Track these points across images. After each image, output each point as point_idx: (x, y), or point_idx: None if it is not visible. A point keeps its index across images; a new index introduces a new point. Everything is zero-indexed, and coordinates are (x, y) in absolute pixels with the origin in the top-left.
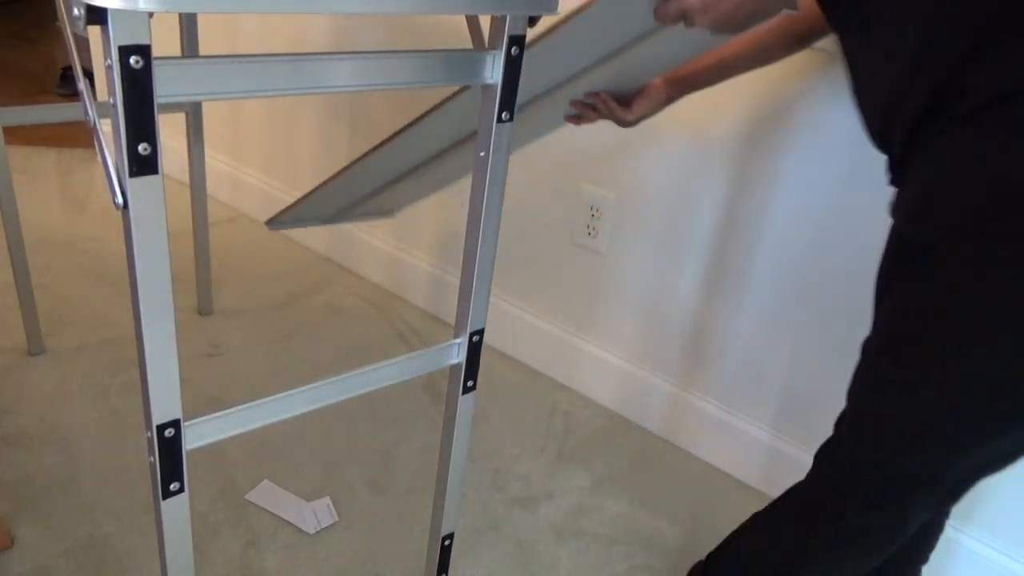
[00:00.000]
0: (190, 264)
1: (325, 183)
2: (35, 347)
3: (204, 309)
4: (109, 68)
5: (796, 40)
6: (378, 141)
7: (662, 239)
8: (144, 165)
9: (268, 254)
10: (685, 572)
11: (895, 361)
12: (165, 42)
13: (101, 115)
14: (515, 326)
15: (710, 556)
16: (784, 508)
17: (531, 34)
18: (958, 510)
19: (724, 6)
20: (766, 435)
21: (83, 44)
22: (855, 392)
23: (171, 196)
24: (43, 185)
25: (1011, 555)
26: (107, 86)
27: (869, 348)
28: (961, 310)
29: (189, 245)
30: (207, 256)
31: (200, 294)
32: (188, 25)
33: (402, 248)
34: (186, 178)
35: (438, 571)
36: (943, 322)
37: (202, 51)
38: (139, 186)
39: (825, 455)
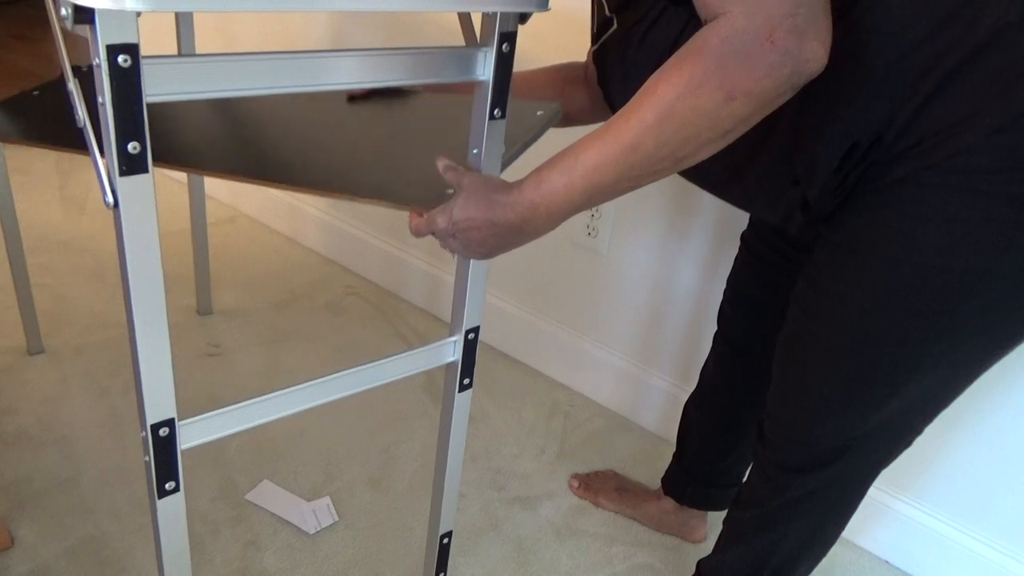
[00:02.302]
0: (189, 264)
1: None
2: (35, 347)
3: (204, 309)
4: (97, 67)
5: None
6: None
7: (662, 239)
8: (134, 164)
9: (268, 254)
10: (685, 571)
11: (803, 339)
12: (164, 43)
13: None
14: (515, 326)
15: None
16: (741, 502)
17: None
18: (957, 508)
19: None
20: None
21: (83, 44)
22: (780, 379)
23: (170, 196)
24: (42, 185)
25: (999, 550)
26: (96, 85)
27: (783, 343)
28: (847, 271)
29: (188, 245)
30: (206, 256)
31: (200, 294)
32: (184, 25)
33: (401, 248)
34: (185, 177)
35: (436, 570)
36: (837, 286)
37: (199, 51)
38: (129, 185)
39: (761, 444)
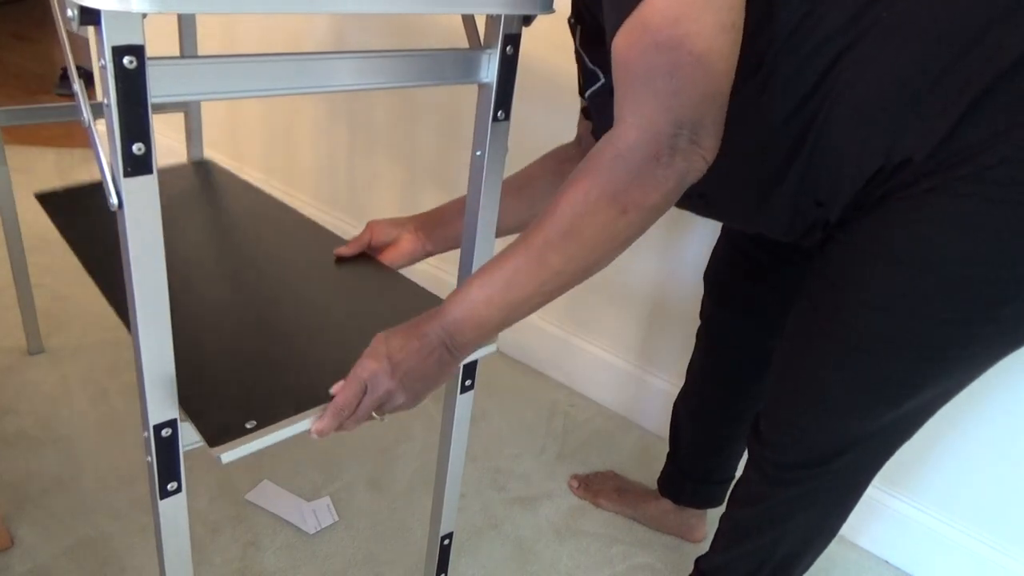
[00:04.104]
0: None
1: None
2: (35, 347)
3: None
4: (103, 68)
5: None
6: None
7: (662, 239)
8: (139, 165)
9: None
10: (685, 571)
11: (817, 339)
12: (164, 42)
13: (96, 115)
14: (515, 326)
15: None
16: (738, 500)
17: None
18: (956, 507)
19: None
20: None
21: (83, 44)
22: (784, 377)
23: None
24: (43, 184)
25: (999, 549)
26: (101, 86)
27: (788, 341)
28: (865, 278)
29: None
30: None
31: None
32: (186, 25)
33: None
34: None
35: (437, 570)
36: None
37: (201, 51)
38: (134, 186)
39: (758, 442)
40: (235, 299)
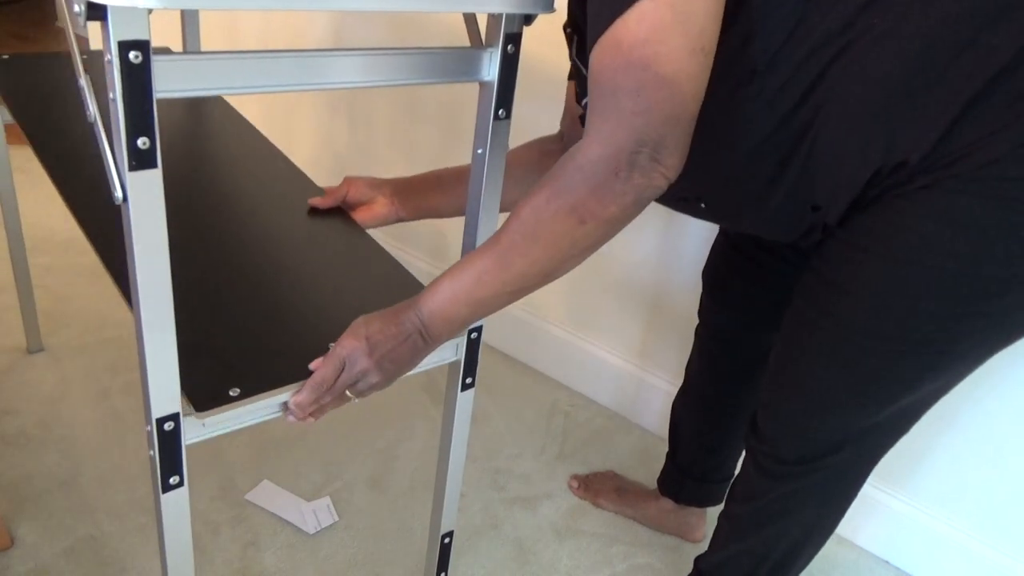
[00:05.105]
0: None
1: None
2: (35, 347)
3: None
4: (109, 63)
5: None
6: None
7: (662, 239)
8: (143, 159)
9: None
10: (685, 571)
11: (812, 335)
12: (166, 40)
13: (101, 111)
14: (515, 326)
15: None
16: (736, 497)
17: None
18: (956, 507)
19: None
20: None
21: (82, 44)
22: (781, 373)
23: None
24: (44, 183)
25: (998, 549)
26: (107, 81)
27: (785, 336)
28: (862, 274)
29: None
30: None
31: None
32: (190, 21)
33: (402, 248)
34: None
35: (438, 570)
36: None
37: (204, 47)
38: (138, 180)
39: (755, 438)
40: (216, 256)
